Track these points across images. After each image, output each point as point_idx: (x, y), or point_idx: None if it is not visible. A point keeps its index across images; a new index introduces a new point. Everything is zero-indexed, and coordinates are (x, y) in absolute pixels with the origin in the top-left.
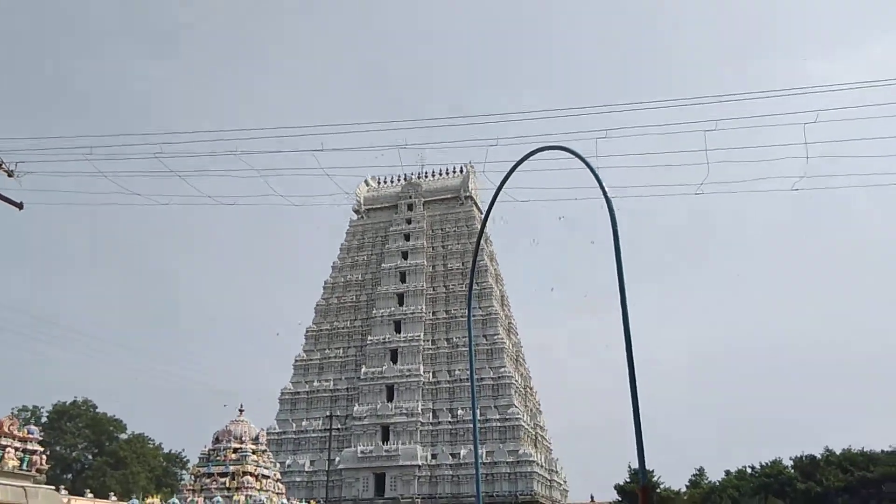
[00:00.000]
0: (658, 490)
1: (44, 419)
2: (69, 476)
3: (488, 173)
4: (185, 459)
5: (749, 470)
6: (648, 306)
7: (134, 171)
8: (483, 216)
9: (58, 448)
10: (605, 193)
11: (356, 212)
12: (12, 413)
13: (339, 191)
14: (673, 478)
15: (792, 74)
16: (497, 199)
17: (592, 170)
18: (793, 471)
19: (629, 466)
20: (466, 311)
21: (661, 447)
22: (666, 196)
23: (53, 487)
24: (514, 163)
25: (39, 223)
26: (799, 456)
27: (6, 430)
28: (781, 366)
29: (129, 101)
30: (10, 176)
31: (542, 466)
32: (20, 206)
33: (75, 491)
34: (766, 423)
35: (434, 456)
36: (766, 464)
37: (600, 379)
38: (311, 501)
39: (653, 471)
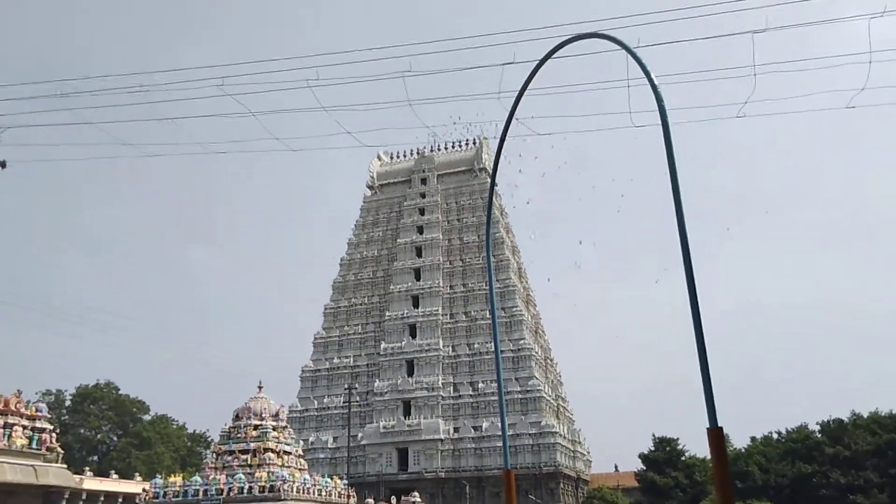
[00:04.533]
0: (683, 458)
1: (67, 402)
2: (95, 458)
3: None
4: (208, 439)
5: (775, 436)
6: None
7: (119, 119)
8: (494, 166)
9: (82, 431)
10: (652, 83)
11: (370, 187)
12: (38, 397)
13: (340, 130)
14: (696, 446)
15: None
16: (512, 122)
17: (636, 57)
18: (820, 435)
19: (653, 435)
20: (483, 284)
21: (682, 415)
22: (706, 121)
23: (65, 466)
24: (543, 56)
25: (41, 202)
26: (826, 420)
27: (13, 407)
28: (802, 328)
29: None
30: None
31: (565, 438)
32: (3, 164)
33: (101, 472)
34: (790, 387)
35: (456, 430)
36: (793, 429)
37: (622, 349)
38: (335, 477)
39: (677, 439)
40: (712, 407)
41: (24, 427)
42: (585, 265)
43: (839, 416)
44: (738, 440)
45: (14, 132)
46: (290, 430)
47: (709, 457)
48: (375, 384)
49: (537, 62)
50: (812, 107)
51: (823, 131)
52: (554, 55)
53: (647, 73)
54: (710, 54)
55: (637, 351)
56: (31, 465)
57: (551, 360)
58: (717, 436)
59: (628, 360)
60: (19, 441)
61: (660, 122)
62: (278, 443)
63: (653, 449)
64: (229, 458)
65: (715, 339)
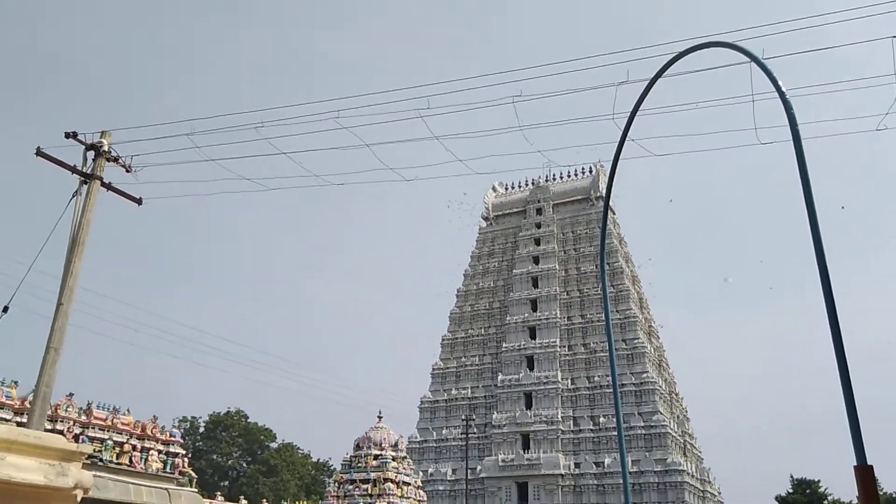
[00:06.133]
0: (825, 502)
1: (201, 429)
2: (225, 483)
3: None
4: (332, 468)
5: None
6: (846, 283)
7: (236, 156)
8: (605, 201)
9: (214, 456)
10: (781, 92)
11: (485, 219)
12: (174, 423)
13: (451, 158)
14: (841, 489)
15: None
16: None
17: (763, 66)
18: None
19: (791, 476)
20: (603, 315)
21: (825, 455)
22: (844, 135)
23: (196, 490)
24: (662, 66)
25: (168, 236)
26: None
27: (149, 432)
28: None
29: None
30: (127, 171)
31: (692, 476)
32: (139, 201)
33: (231, 497)
34: None
35: (577, 465)
36: None
37: (756, 383)
38: None
39: (818, 481)
40: (859, 441)
41: (160, 451)
42: (717, 295)
43: None
44: (890, 483)
45: (147, 170)
46: (409, 460)
47: (855, 501)
48: (493, 416)
49: (655, 73)
50: None
51: None
52: (671, 67)
53: (775, 81)
54: (837, 67)
55: (773, 385)
56: (165, 489)
57: (676, 394)
58: (866, 474)
59: (763, 396)
60: (154, 465)
61: (790, 137)
62: (398, 473)
63: (791, 491)
64: (350, 487)
65: (862, 370)
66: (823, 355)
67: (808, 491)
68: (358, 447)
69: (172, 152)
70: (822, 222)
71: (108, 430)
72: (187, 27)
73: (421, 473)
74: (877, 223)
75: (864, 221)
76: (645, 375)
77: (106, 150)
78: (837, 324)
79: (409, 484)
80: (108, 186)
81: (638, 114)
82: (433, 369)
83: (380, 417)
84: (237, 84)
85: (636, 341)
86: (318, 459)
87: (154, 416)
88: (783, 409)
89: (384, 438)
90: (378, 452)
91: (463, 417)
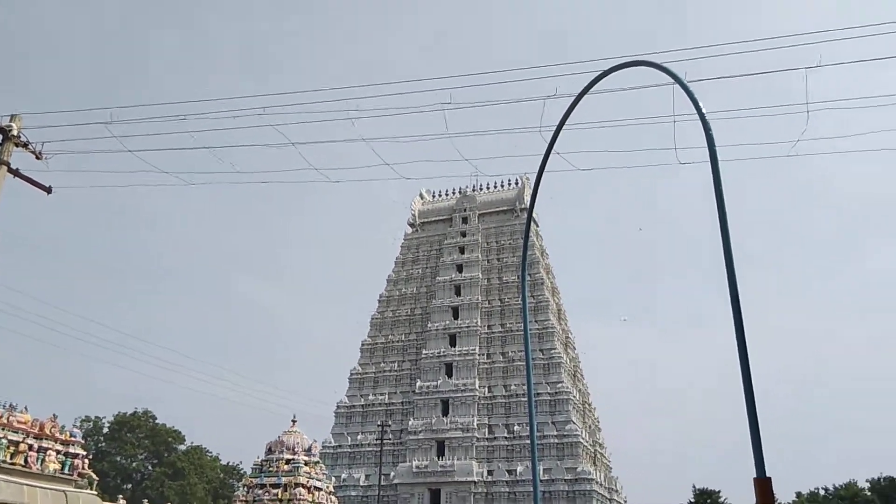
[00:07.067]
0: None
1: (105, 430)
2: (129, 486)
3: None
4: (241, 472)
5: (822, 492)
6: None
7: (159, 147)
8: (530, 207)
9: (118, 458)
10: (700, 112)
11: (411, 225)
12: (76, 423)
13: (378, 161)
14: (739, 500)
15: None
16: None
17: (685, 86)
18: (869, 493)
19: (694, 487)
20: (522, 324)
21: (725, 467)
22: (755, 160)
23: (96, 493)
24: (586, 85)
25: (83, 228)
26: (876, 478)
27: (47, 432)
28: (854, 379)
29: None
30: (38, 158)
31: (601, 485)
32: (49, 189)
33: (134, 501)
34: (838, 441)
35: (490, 472)
36: (841, 486)
37: (662, 396)
38: None
39: (719, 491)
40: (760, 455)
41: (58, 452)
42: (624, 310)
43: (890, 474)
44: (783, 495)
45: (60, 158)
46: (323, 465)
47: None
48: (410, 423)
49: (582, 89)
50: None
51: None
52: (596, 85)
53: (696, 102)
54: (755, 94)
55: (679, 399)
56: (63, 491)
57: (589, 404)
58: (765, 487)
59: (668, 408)
60: (52, 466)
61: (708, 159)
62: (309, 478)
63: (693, 501)
64: (260, 491)
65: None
66: (730, 371)
67: (708, 501)
68: (270, 451)
69: (90, 140)
70: (739, 237)
71: (2, 429)
72: (129, 12)
73: (334, 479)
74: (791, 242)
75: (780, 242)
76: (560, 386)
77: (15, 134)
78: (744, 341)
79: (320, 489)
80: (16, 173)
81: (564, 128)
82: (351, 374)
83: (294, 421)
84: (171, 74)
85: (553, 352)
86: (228, 463)
87: (53, 415)
88: (690, 421)
89: (297, 442)
90: (290, 457)
91: (379, 423)
